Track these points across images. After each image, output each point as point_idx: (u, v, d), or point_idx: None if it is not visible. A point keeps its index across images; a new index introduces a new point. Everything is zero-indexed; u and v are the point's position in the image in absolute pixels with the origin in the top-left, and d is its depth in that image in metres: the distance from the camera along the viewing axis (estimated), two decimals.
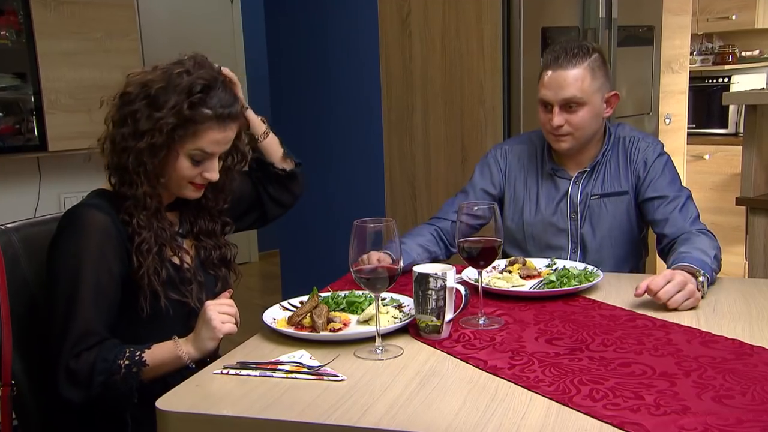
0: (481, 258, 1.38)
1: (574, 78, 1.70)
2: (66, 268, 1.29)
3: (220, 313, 1.28)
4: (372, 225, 1.22)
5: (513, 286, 1.56)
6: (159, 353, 1.28)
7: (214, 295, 1.45)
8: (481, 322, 1.37)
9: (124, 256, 1.34)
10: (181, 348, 1.27)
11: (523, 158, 1.88)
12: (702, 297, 1.46)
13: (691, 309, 1.42)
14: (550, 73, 1.72)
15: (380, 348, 1.25)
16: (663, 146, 1.84)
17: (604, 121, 1.81)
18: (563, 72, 1.70)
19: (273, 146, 1.64)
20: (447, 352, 1.24)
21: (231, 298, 1.38)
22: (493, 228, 1.38)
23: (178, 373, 1.28)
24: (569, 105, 1.71)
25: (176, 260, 1.42)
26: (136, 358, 1.26)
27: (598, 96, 1.73)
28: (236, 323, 1.30)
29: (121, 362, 1.25)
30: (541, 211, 1.85)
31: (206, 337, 1.27)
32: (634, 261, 1.86)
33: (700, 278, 1.46)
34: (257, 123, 1.61)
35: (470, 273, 1.60)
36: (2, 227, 1.41)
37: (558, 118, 1.72)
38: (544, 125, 1.78)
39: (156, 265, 1.34)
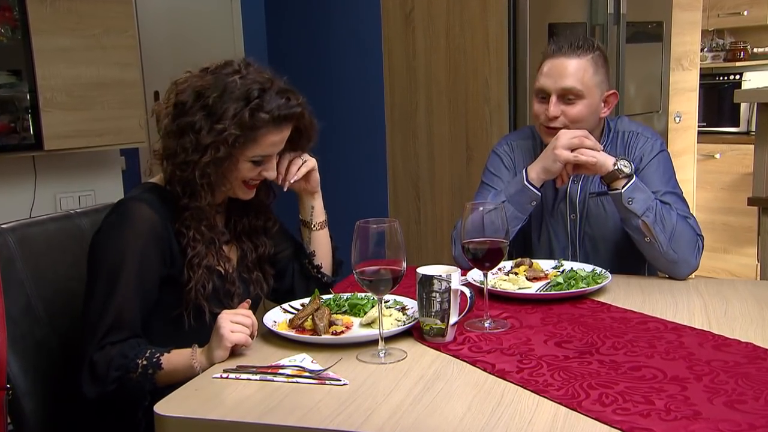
0: (487, 259, 1.35)
1: (576, 68, 1.67)
2: (107, 262, 1.29)
3: (233, 322, 1.24)
4: (375, 225, 1.20)
5: (519, 289, 1.54)
6: (175, 359, 1.26)
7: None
8: (486, 325, 1.34)
9: (167, 257, 1.33)
10: (196, 357, 1.25)
11: (528, 154, 1.84)
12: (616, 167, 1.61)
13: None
14: (551, 61, 1.69)
15: (383, 351, 1.23)
16: (662, 142, 1.80)
17: (601, 121, 1.78)
18: (566, 60, 1.67)
19: (323, 244, 1.58)
20: (453, 355, 1.23)
21: (251, 308, 1.34)
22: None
23: None
24: (567, 97, 1.68)
25: (221, 269, 1.40)
26: (154, 360, 1.25)
27: (597, 92, 1.70)
28: (252, 334, 1.26)
29: (140, 361, 1.24)
30: (545, 211, 1.82)
31: (215, 346, 1.23)
32: (639, 265, 1.79)
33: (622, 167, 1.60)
34: (319, 211, 1.57)
35: (475, 275, 1.57)
36: None
37: (554, 108, 1.68)
38: (537, 116, 1.74)
39: (204, 279, 1.34)
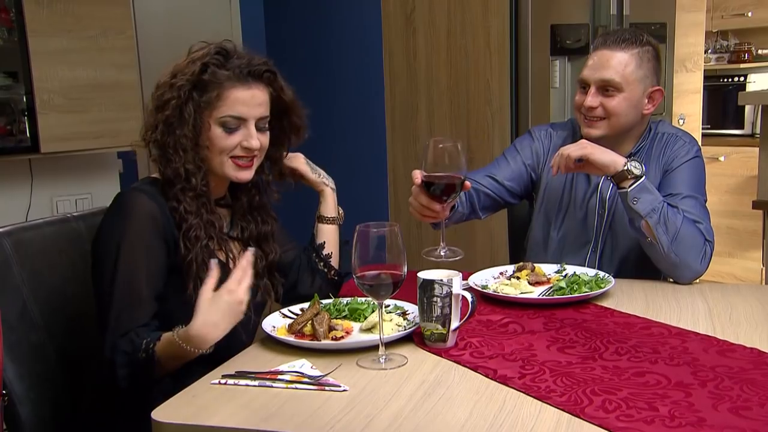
0: (444, 194, 1.41)
1: (618, 61, 1.67)
2: (108, 254, 1.28)
3: (238, 301, 1.20)
4: (375, 229, 1.19)
5: (521, 293, 1.53)
6: (166, 348, 1.22)
7: (255, 304, 1.43)
8: (442, 253, 1.38)
9: (171, 245, 1.33)
10: (181, 340, 1.19)
11: (566, 143, 1.80)
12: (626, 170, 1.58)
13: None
14: (596, 53, 1.71)
15: (384, 357, 1.22)
16: (699, 149, 1.78)
17: (646, 118, 1.76)
18: (608, 52, 1.68)
19: (329, 238, 1.57)
20: (454, 361, 1.22)
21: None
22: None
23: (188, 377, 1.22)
24: (606, 88, 1.68)
25: (222, 257, 1.39)
26: (150, 351, 1.22)
27: (639, 87, 1.69)
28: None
29: (140, 355, 1.22)
30: (572, 203, 1.81)
31: (222, 324, 1.19)
32: (657, 268, 1.74)
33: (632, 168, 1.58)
34: (328, 208, 1.57)
35: (477, 279, 1.56)
36: None
37: (592, 99, 1.69)
38: (578, 108, 1.75)
39: (204, 256, 1.33)
